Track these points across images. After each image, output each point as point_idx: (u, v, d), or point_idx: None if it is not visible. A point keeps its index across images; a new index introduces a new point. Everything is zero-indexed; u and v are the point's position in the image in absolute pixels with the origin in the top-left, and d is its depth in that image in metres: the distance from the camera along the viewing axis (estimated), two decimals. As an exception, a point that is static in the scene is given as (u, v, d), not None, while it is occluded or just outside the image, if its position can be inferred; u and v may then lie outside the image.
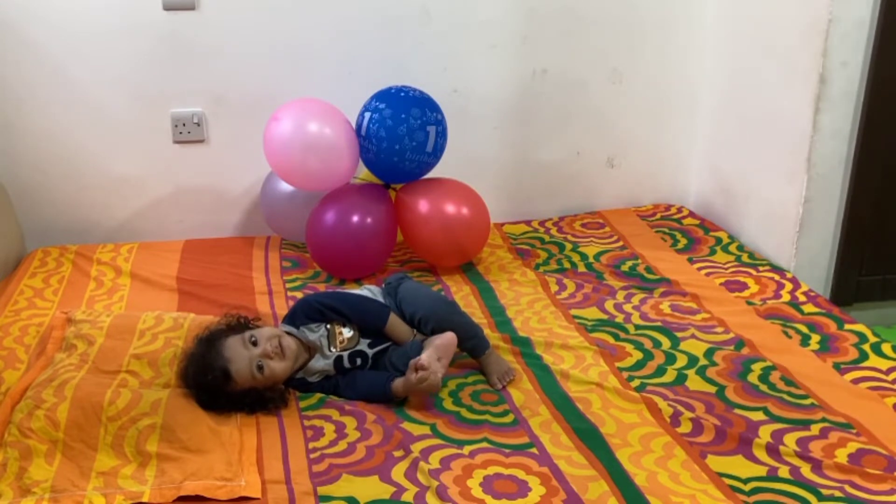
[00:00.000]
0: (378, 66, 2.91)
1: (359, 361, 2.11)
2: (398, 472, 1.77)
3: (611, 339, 2.30)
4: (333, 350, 2.09)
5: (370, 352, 2.12)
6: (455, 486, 1.72)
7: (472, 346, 2.16)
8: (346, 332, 2.11)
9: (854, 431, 1.88)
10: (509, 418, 1.97)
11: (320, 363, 2.08)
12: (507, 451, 1.84)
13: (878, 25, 2.50)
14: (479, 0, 2.94)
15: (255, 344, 1.98)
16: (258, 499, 1.69)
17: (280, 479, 1.75)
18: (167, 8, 2.77)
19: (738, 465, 1.78)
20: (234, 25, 2.83)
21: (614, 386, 2.07)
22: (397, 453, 1.83)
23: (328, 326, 2.11)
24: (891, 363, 2.14)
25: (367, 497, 1.69)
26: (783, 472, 1.76)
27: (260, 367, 1.96)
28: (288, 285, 2.65)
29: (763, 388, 2.05)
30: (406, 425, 1.93)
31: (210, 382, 1.93)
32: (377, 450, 1.84)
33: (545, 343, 2.27)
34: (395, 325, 2.15)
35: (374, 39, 2.91)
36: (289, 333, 2.09)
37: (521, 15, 2.98)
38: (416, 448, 1.84)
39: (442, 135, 2.66)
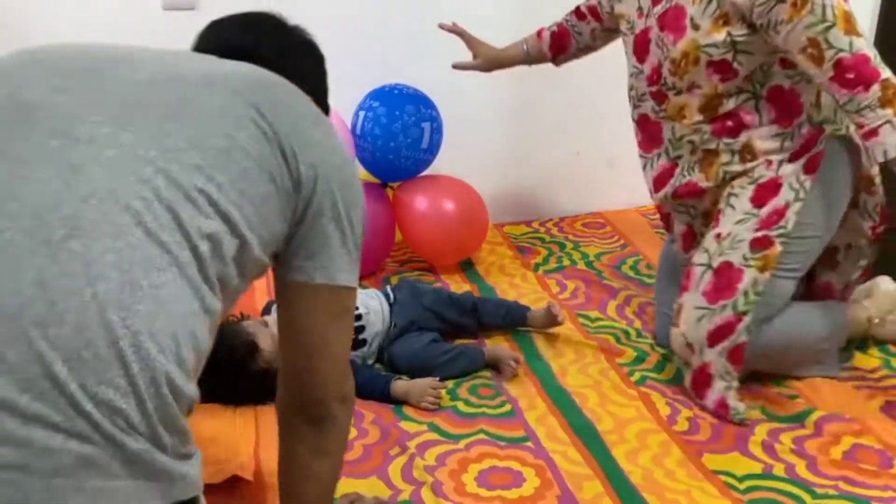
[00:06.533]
0: (376, 65, 2.90)
1: None
2: (395, 471, 1.77)
3: (611, 339, 2.30)
4: None
5: None
6: (450, 480, 1.72)
7: (514, 313, 2.33)
8: None
9: (847, 429, 1.88)
10: (506, 408, 1.98)
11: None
12: (502, 443, 1.85)
13: (879, 25, 2.50)
14: (478, 0, 2.94)
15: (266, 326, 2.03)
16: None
17: (279, 478, 1.75)
18: (167, 8, 2.78)
19: (733, 463, 1.79)
20: (234, 25, 2.84)
21: (613, 382, 2.08)
22: (393, 451, 1.83)
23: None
24: (876, 363, 2.16)
25: (364, 495, 1.69)
26: (778, 469, 1.76)
27: None
28: (287, 284, 2.66)
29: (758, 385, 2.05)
30: (403, 424, 1.93)
31: (239, 357, 1.91)
32: (375, 449, 1.84)
33: (545, 342, 2.28)
34: None
35: (372, 39, 2.90)
36: None
37: (521, 15, 2.97)
38: (413, 444, 1.84)
39: (437, 131, 2.66)
